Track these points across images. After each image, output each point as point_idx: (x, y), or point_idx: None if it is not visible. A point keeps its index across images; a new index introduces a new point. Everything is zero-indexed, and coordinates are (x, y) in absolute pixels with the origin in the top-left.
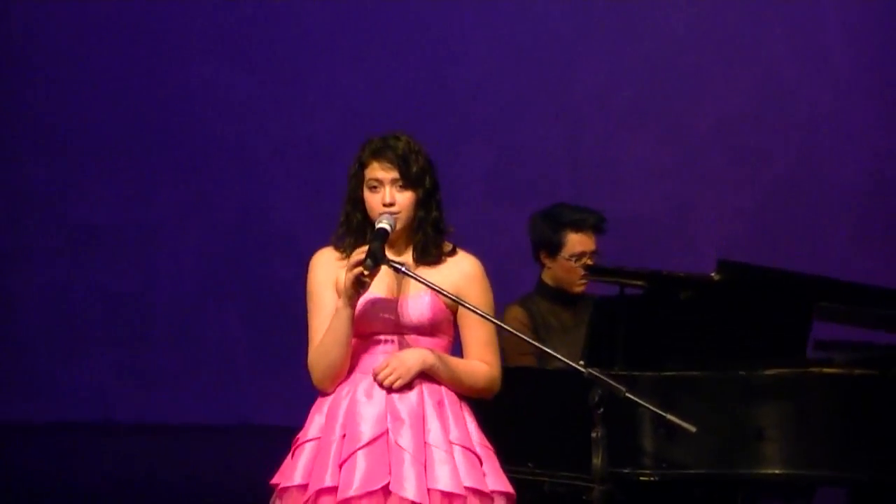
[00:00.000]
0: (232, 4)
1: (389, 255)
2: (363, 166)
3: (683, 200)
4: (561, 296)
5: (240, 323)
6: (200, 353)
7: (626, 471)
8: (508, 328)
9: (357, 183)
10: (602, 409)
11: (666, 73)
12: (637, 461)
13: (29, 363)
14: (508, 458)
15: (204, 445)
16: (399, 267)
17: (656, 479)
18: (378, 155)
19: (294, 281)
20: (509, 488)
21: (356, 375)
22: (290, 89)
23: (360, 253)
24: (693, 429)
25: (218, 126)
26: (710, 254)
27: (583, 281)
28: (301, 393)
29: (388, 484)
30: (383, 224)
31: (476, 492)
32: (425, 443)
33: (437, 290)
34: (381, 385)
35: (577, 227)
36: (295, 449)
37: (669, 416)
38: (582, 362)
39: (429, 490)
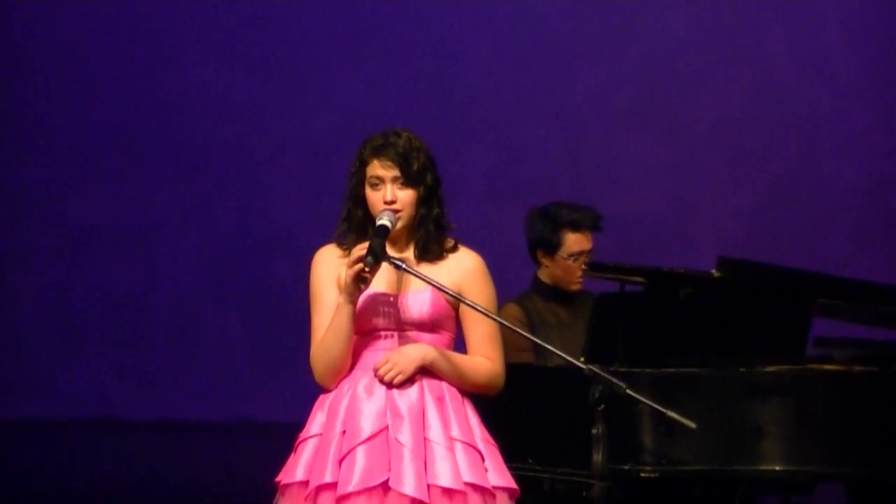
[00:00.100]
0: (231, 5)
1: (390, 251)
2: (364, 164)
3: (683, 200)
4: (557, 293)
5: (239, 322)
6: (200, 352)
7: (627, 467)
8: (510, 325)
9: (358, 180)
10: (602, 406)
11: (665, 73)
12: (637, 458)
13: (29, 362)
14: (508, 455)
15: (204, 442)
16: (399, 264)
17: (656, 475)
18: (379, 153)
19: (293, 280)
20: (512, 484)
21: (357, 372)
22: (290, 90)
23: (360, 249)
24: (693, 425)
25: (217, 126)
26: (709, 254)
27: (580, 279)
28: (300, 390)
29: (388, 480)
30: (384, 221)
31: (477, 488)
32: (425, 439)
33: (437, 287)
34: (381, 381)
35: (576, 227)
36: (297, 446)
37: (669, 413)
38: (582, 359)
39: (428, 486)
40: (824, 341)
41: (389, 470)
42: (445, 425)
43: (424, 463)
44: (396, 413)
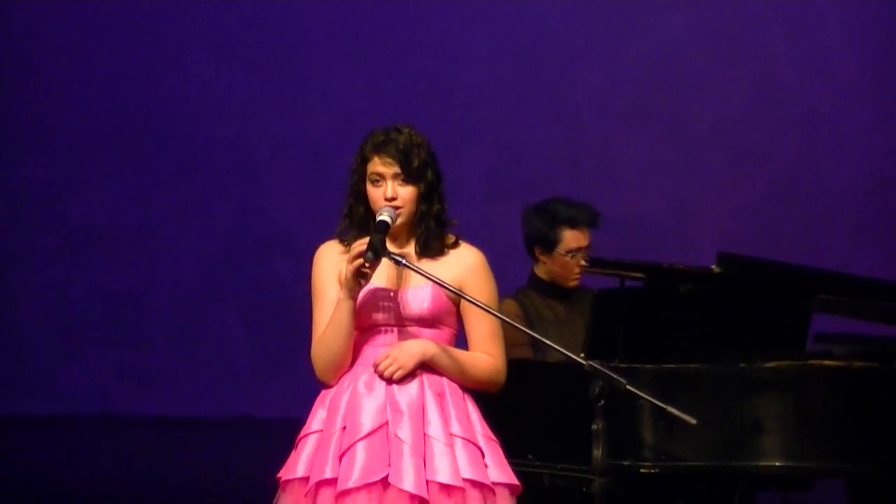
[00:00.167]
0: (231, 5)
1: (391, 247)
2: (365, 160)
3: (683, 200)
4: (554, 289)
5: (239, 321)
6: (200, 351)
7: (627, 463)
8: (510, 321)
9: (360, 177)
10: (602, 402)
11: (665, 72)
12: (637, 454)
13: (29, 361)
14: (508, 451)
15: (204, 440)
16: (399, 259)
17: (656, 471)
18: (379, 149)
19: (292, 278)
20: (513, 480)
21: (357, 368)
22: (290, 89)
23: (360, 245)
24: (693, 421)
25: (217, 126)
26: (709, 253)
27: (578, 275)
28: (299, 388)
29: (388, 476)
30: (384, 216)
31: (476, 484)
32: (425, 435)
33: (437, 282)
34: (381, 376)
35: (573, 224)
36: (298, 442)
37: (670, 409)
38: (583, 354)
39: (427, 482)
40: (824, 337)
41: (389, 466)
42: (445, 421)
43: (424, 459)
44: (396, 409)
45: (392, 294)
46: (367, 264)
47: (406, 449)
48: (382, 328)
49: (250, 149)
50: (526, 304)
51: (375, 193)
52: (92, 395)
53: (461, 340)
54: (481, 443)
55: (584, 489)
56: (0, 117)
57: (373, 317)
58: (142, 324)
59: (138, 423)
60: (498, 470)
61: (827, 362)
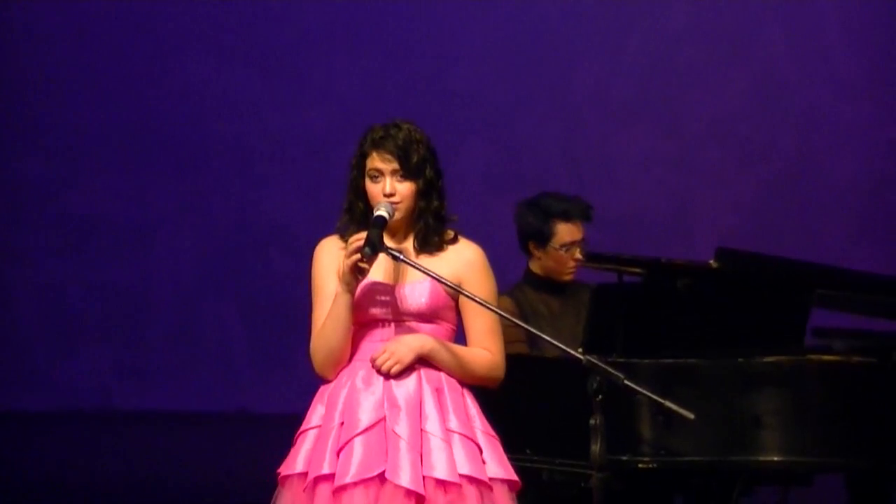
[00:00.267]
0: (230, 3)
1: (389, 243)
2: (364, 156)
3: (681, 196)
4: (549, 284)
5: (238, 316)
6: (199, 347)
7: (625, 458)
8: (508, 317)
9: (359, 172)
10: (601, 397)
11: (664, 68)
12: (635, 449)
13: (28, 357)
14: (506, 446)
15: (202, 435)
16: (397, 255)
17: (655, 466)
18: (378, 145)
19: (290, 274)
20: (512, 476)
21: (356, 363)
22: (288, 85)
23: (357, 240)
24: (691, 416)
25: (215, 122)
26: (708, 249)
27: (572, 269)
28: (297, 384)
29: (384, 471)
30: (381, 211)
31: (472, 480)
32: (422, 430)
33: (435, 278)
34: (378, 371)
35: (566, 217)
36: (297, 437)
37: (668, 404)
38: (580, 349)
39: (424, 478)
40: (823, 332)
41: (386, 461)
42: (443, 417)
43: (420, 454)
44: (394, 404)
45: (390, 289)
46: (363, 259)
47: (403, 445)
48: (380, 323)
49: (249, 146)
50: (520, 300)
51: (374, 189)
52: (91, 390)
53: (461, 336)
54: (480, 438)
55: (583, 484)
56: None
57: (371, 311)
58: (141, 320)
59: (137, 419)
60: (496, 465)
61: (826, 357)
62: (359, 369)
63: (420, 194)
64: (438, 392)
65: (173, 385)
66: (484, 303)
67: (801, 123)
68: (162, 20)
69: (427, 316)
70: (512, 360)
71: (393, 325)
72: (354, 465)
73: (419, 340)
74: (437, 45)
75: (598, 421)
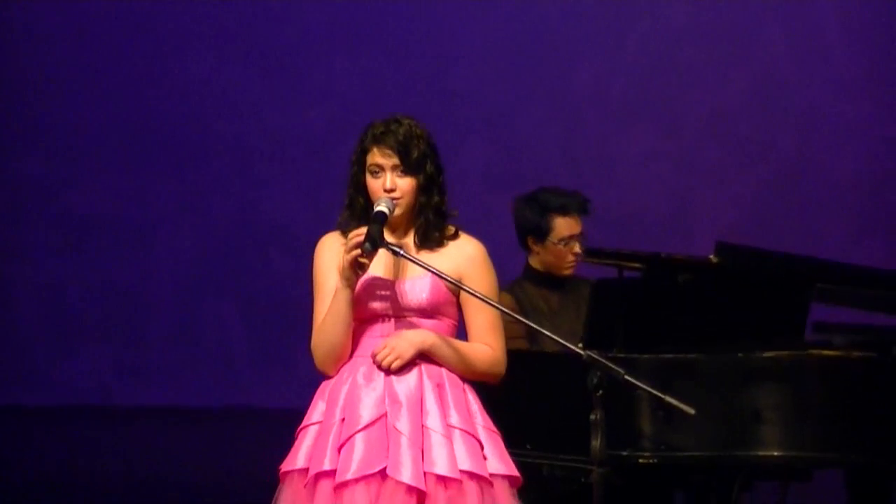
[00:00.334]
0: (229, 2)
1: (389, 239)
2: (365, 151)
3: (681, 195)
4: (548, 279)
5: (237, 314)
6: (198, 345)
7: (625, 453)
8: (508, 312)
9: (359, 168)
10: (601, 392)
11: (663, 66)
12: (636, 444)
13: (28, 355)
14: (506, 441)
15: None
16: (397, 250)
17: (655, 461)
18: (379, 141)
19: (290, 272)
20: (514, 472)
21: (357, 359)
22: (288, 84)
23: (357, 235)
24: (692, 411)
25: (215, 121)
26: (708, 246)
27: (572, 264)
28: (296, 381)
29: (386, 468)
30: (381, 207)
31: (473, 476)
32: (423, 426)
33: (435, 273)
34: (379, 367)
35: (564, 211)
36: (298, 433)
37: (668, 399)
38: (581, 345)
39: (425, 474)
40: (823, 326)
41: (387, 457)
42: (444, 412)
43: (422, 450)
44: (395, 400)
45: (391, 284)
46: (364, 254)
47: (404, 441)
48: (381, 318)
49: (249, 146)
50: (520, 296)
51: (374, 185)
52: (91, 390)
53: (462, 331)
54: (481, 434)
55: (583, 479)
56: None
57: (371, 307)
58: (141, 320)
59: (137, 416)
60: (498, 461)
61: (826, 352)
62: (360, 365)
63: (420, 190)
64: (439, 387)
65: (173, 382)
66: (485, 298)
67: (801, 123)
68: (162, 20)
69: (428, 311)
70: (512, 355)
71: (393, 320)
72: (355, 461)
73: (420, 336)
74: (437, 45)
75: (598, 416)
